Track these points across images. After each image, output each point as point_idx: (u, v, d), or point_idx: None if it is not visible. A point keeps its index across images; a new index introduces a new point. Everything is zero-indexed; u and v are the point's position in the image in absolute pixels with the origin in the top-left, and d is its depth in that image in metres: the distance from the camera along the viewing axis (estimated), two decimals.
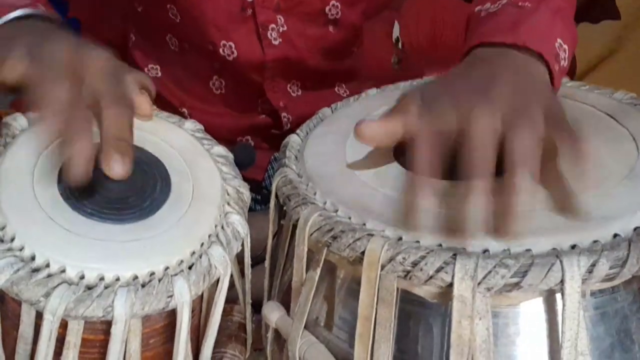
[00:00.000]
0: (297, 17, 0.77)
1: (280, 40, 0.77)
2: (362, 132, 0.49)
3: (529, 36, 0.54)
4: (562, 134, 0.46)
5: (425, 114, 0.47)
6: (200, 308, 0.52)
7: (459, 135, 0.46)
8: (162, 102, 0.82)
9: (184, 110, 0.84)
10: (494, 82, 0.49)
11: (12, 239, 0.45)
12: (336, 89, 0.85)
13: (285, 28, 0.77)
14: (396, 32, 0.91)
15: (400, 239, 0.44)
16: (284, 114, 0.82)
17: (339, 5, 0.78)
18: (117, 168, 0.47)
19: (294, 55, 0.79)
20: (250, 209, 0.54)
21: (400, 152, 0.53)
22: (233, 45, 0.77)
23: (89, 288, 0.44)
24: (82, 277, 0.45)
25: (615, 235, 0.42)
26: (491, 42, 0.55)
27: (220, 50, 0.77)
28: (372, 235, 0.44)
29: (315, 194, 0.50)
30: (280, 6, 0.76)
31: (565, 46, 0.56)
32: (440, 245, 0.42)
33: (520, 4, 0.58)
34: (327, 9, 0.77)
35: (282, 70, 0.80)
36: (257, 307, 0.55)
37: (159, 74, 0.84)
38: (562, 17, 0.58)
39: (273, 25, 0.77)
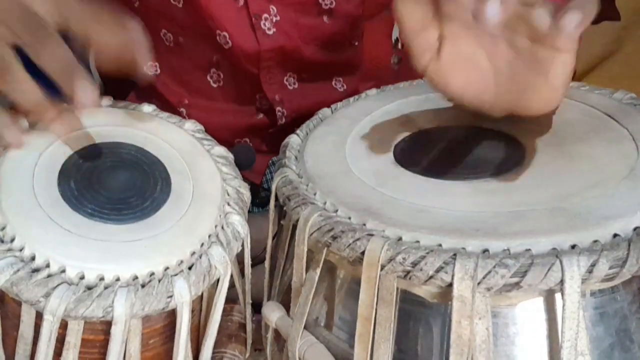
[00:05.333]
0: (290, 7, 0.76)
1: (275, 30, 0.77)
2: None
3: None
4: None
5: None
6: (200, 308, 0.52)
7: None
8: (161, 102, 0.81)
9: (182, 110, 0.83)
10: None
11: (12, 239, 0.45)
12: (333, 82, 0.85)
13: (278, 18, 0.76)
14: (396, 32, 0.90)
15: (400, 239, 0.43)
16: (278, 108, 0.82)
17: None
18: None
19: (289, 46, 0.78)
20: (249, 212, 0.54)
21: (401, 153, 0.53)
22: (227, 35, 0.76)
23: (89, 288, 0.44)
24: (82, 277, 0.45)
25: (615, 235, 0.42)
26: None
27: (217, 39, 0.76)
28: (372, 235, 0.44)
29: (315, 194, 0.50)
30: None
31: None
32: (440, 245, 0.42)
33: None
34: None
35: (278, 61, 0.79)
36: (257, 307, 0.55)
37: (158, 71, 0.84)
38: None
39: (266, 15, 0.76)
